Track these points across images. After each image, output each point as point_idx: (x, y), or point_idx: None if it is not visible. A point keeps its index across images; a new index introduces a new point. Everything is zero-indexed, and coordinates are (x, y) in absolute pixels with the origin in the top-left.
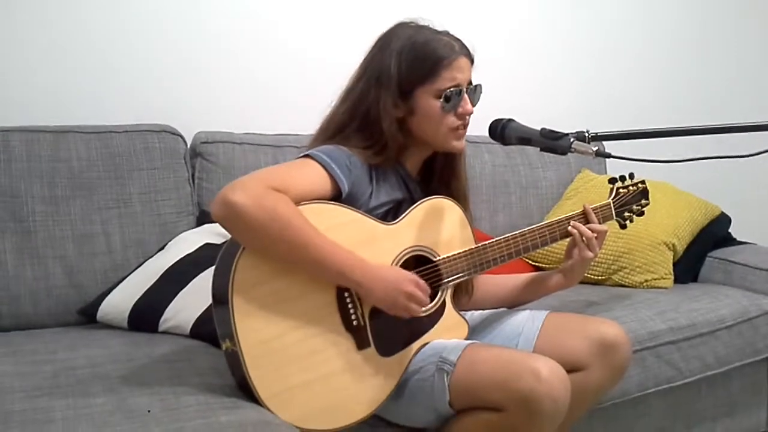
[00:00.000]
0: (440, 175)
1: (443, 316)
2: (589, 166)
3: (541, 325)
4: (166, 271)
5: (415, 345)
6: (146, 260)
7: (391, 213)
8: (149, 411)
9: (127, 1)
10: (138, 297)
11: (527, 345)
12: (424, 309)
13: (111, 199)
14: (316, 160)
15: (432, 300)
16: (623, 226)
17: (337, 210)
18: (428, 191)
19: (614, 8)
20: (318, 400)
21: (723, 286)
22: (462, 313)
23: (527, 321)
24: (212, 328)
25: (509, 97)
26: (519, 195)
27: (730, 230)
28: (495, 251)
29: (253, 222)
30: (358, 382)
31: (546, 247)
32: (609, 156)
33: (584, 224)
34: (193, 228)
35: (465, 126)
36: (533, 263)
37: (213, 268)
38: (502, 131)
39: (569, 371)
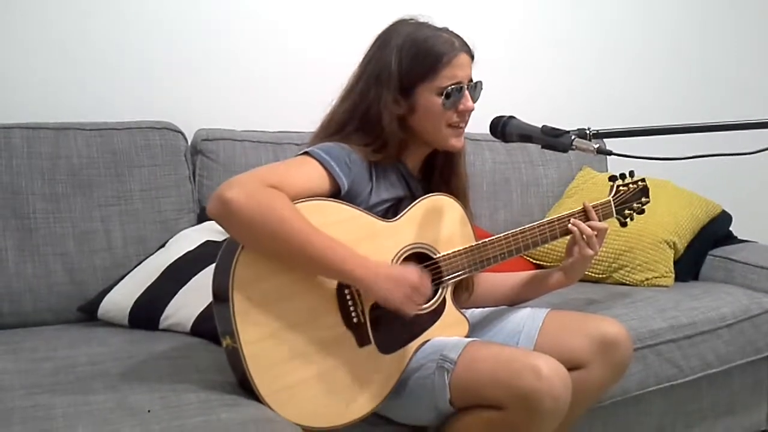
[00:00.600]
0: (441, 172)
1: (444, 313)
2: (590, 164)
3: (542, 323)
4: (167, 268)
5: (416, 342)
6: (147, 257)
7: (391, 210)
8: (149, 410)
9: (127, 0)
10: (139, 294)
11: (528, 343)
12: (424, 306)
13: (112, 196)
14: (316, 158)
15: (432, 297)
16: (624, 224)
17: (336, 207)
18: (429, 189)
19: (614, 6)
20: (318, 397)
21: (724, 284)
22: (462, 310)
23: (528, 319)
24: (213, 326)
25: (510, 95)
26: (520, 192)
27: (731, 228)
28: (495, 248)
29: (248, 219)
30: (359, 380)
31: (547, 245)
32: (610, 153)
33: (584, 222)
34: (193, 225)
35: (465, 123)
36: (534, 261)
37: (213, 265)
38: (503, 128)
39: (570, 369)
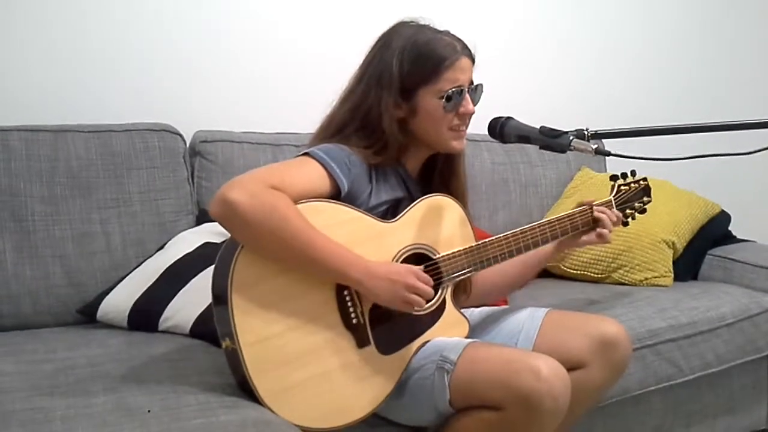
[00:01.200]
0: (440, 174)
1: (444, 314)
2: (588, 164)
3: (541, 323)
4: (166, 270)
5: (416, 343)
6: (146, 259)
7: (390, 212)
8: (149, 411)
9: (126, 1)
10: (137, 296)
11: (527, 343)
12: (424, 307)
13: (110, 198)
14: (316, 159)
15: (432, 298)
16: (625, 224)
17: (336, 208)
18: (428, 191)
19: (613, 7)
20: (318, 398)
21: (723, 283)
22: (462, 311)
23: (527, 319)
24: (212, 328)
25: (508, 96)
26: (518, 193)
27: (729, 228)
28: (495, 249)
29: (251, 220)
30: (358, 381)
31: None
32: (608, 154)
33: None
34: (192, 227)
35: (466, 126)
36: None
37: (212, 267)
38: (501, 129)
39: (569, 369)
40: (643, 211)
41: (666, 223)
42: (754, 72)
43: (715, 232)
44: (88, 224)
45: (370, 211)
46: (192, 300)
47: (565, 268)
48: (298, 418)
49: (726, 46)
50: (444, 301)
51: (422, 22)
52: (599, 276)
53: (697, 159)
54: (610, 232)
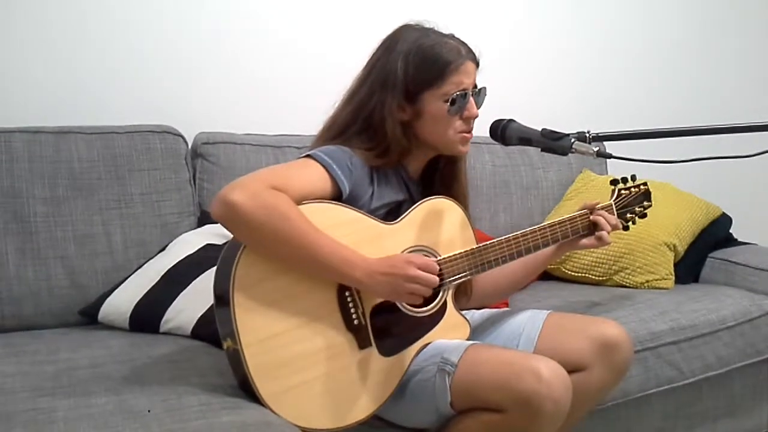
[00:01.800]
0: (442, 176)
1: (445, 316)
2: (590, 167)
3: (542, 325)
4: (168, 271)
5: (417, 345)
6: (147, 261)
7: (391, 214)
8: (149, 411)
9: (128, 2)
10: (139, 298)
11: (528, 345)
12: (425, 309)
13: (112, 199)
14: (317, 161)
15: (433, 300)
16: (626, 228)
17: (337, 209)
18: (429, 193)
19: (614, 8)
20: (319, 399)
21: (724, 286)
22: (463, 312)
23: (528, 321)
24: (213, 329)
25: (510, 98)
26: (520, 195)
27: (731, 231)
28: (496, 252)
29: (253, 220)
30: (359, 382)
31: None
32: (610, 156)
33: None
34: (194, 229)
35: (471, 129)
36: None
37: (214, 268)
38: (502, 132)
39: (570, 371)
40: (643, 215)
41: (667, 226)
42: (755, 74)
43: (716, 234)
44: (89, 225)
45: (371, 212)
46: (193, 301)
47: (566, 271)
48: (299, 419)
49: (727, 48)
50: (445, 303)
51: (427, 26)
52: (600, 278)
53: (698, 161)
54: (608, 234)
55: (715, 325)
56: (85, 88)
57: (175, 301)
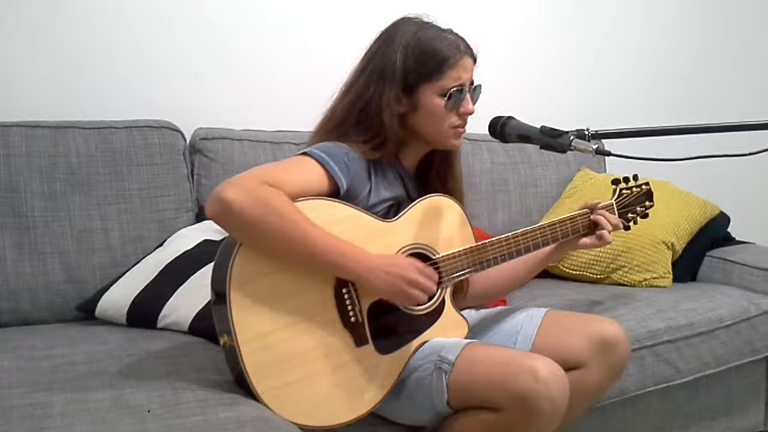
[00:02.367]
0: (437, 172)
1: (442, 314)
2: (588, 165)
3: (540, 323)
4: (165, 267)
5: (414, 343)
6: (145, 256)
7: (389, 210)
8: (149, 411)
9: None
10: (137, 293)
11: (526, 343)
12: (423, 306)
13: (110, 195)
14: (314, 158)
15: (431, 298)
16: (627, 228)
17: (335, 206)
18: (425, 188)
19: (614, 6)
20: (315, 396)
21: (722, 285)
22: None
23: (526, 319)
24: (211, 325)
25: (509, 95)
26: (518, 193)
27: (729, 230)
28: (495, 250)
29: (246, 217)
30: (356, 380)
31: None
32: (609, 154)
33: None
34: (192, 224)
35: (464, 125)
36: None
37: (212, 264)
38: (501, 129)
39: (567, 369)
40: (645, 215)
41: (665, 225)
42: (754, 73)
43: (714, 233)
44: (87, 221)
45: (369, 209)
46: (191, 297)
47: (564, 269)
48: (295, 416)
49: (726, 47)
50: (443, 301)
51: (425, 19)
52: (598, 277)
53: (696, 160)
54: (609, 233)
55: (713, 323)
56: (83, 83)
57: (172, 297)
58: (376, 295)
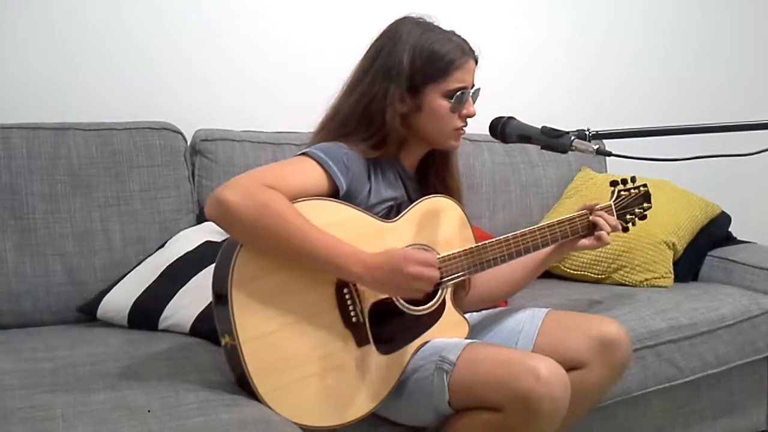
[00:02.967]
0: (436, 172)
1: (443, 314)
2: (589, 165)
3: (541, 323)
4: (166, 268)
5: (415, 343)
6: (146, 258)
7: (389, 210)
8: (149, 411)
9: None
10: (138, 295)
11: (527, 343)
12: (424, 307)
13: (111, 196)
14: (314, 159)
15: (432, 298)
16: (625, 229)
17: (334, 207)
18: (424, 188)
19: (615, 7)
20: (317, 396)
21: (723, 285)
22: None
23: (527, 319)
24: (212, 326)
25: (510, 95)
26: (519, 193)
27: (730, 229)
28: (495, 251)
29: (245, 218)
30: (358, 380)
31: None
32: (610, 154)
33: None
34: (193, 226)
35: (465, 127)
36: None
37: (213, 265)
38: (502, 129)
39: (569, 369)
40: (643, 217)
41: (666, 224)
42: (755, 73)
43: (715, 233)
44: (88, 222)
45: (369, 209)
46: (192, 298)
47: (565, 269)
48: (296, 416)
49: (727, 46)
50: (444, 301)
51: (428, 20)
52: (599, 277)
53: (697, 160)
54: (608, 234)
55: (714, 323)
56: (84, 84)
57: (173, 299)
58: (380, 294)
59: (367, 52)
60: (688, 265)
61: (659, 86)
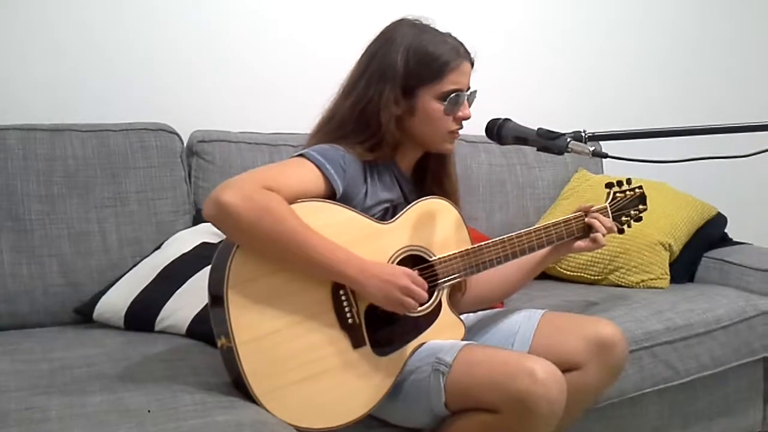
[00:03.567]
0: (433, 174)
1: (439, 316)
2: (585, 166)
3: (538, 324)
4: (163, 270)
5: (412, 345)
6: (142, 259)
7: (388, 212)
8: (149, 411)
9: (124, 0)
10: (134, 296)
11: (523, 344)
12: (420, 308)
13: (107, 197)
14: (310, 160)
15: (428, 300)
16: (621, 231)
17: (331, 208)
18: (421, 190)
19: (612, 9)
20: (313, 398)
21: (719, 286)
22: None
23: (523, 320)
24: (208, 328)
25: (506, 97)
26: (515, 195)
27: (726, 230)
28: (491, 253)
29: (244, 220)
30: (354, 382)
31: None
32: (606, 156)
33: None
34: (189, 227)
35: (460, 129)
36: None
37: (209, 267)
38: (498, 131)
39: (565, 371)
40: (638, 219)
41: (663, 226)
42: (752, 74)
43: (711, 234)
44: (85, 223)
45: (365, 211)
46: (188, 300)
47: (561, 270)
48: (292, 418)
49: (725, 48)
50: (440, 303)
51: (425, 22)
52: (596, 278)
53: (694, 161)
54: (604, 236)
55: (710, 324)
56: (80, 85)
57: (170, 300)
58: (371, 302)
59: (363, 54)
60: (684, 267)
61: (657, 87)
